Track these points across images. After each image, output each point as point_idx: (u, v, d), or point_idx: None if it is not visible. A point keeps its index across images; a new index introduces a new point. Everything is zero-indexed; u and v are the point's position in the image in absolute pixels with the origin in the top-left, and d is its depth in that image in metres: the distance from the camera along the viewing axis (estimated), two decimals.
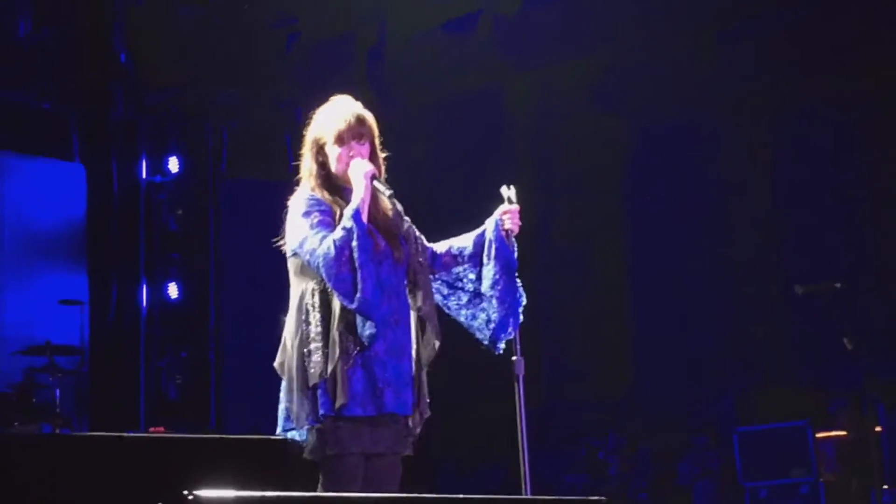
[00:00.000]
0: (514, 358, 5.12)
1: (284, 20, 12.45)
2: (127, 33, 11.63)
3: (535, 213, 5.98)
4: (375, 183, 5.04)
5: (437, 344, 5.09)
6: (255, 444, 4.66)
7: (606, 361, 12.35)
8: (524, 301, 5.21)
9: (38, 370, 10.18)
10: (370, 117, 5.18)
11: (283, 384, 5.01)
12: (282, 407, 5.00)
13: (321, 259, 4.85)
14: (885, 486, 8.93)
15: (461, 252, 5.26)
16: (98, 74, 11.73)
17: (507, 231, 5.21)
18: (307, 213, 4.99)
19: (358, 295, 4.81)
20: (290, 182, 5.26)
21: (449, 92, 12.67)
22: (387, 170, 5.21)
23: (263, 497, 3.72)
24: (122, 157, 11.97)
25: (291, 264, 5.07)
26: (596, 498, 4.40)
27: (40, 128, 11.56)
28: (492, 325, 5.20)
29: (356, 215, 4.90)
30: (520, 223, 5.23)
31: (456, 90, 12.67)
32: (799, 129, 11.56)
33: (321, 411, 4.84)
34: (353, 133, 5.09)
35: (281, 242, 5.12)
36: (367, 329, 4.88)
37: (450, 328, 5.26)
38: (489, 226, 5.23)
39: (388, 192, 5.06)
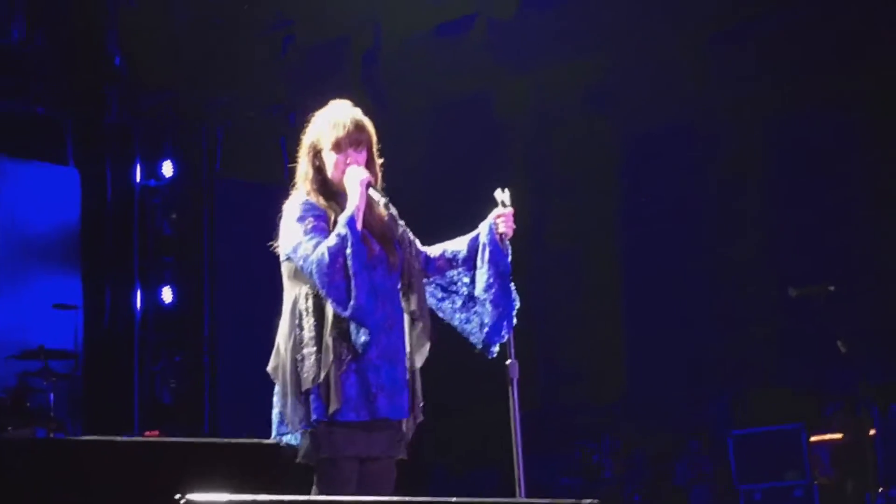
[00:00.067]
0: (508, 361, 5.12)
1: (279, 23, 12.45)
2: (121, 37, 11.63)
3: (529, 217, 5.99)
4: (370, 191, 5.03)
5: (428, 346, 5.09)
6: (249, 447, 4.67)
7: (601, 364, 12.37)
8: (518, 304, 5.21)
9: (33, 374, 10.17)
10: (369, 124, 5.16)
11: (277, 388, 5.00)
12: (276, 411, 5.00)
13: (315, 265, 4.85)
14: (880, 489, 8.93)
15: (455, 256, 5.26)
16: (92, 78, 11.73)
17: (501, 234, 5.19)
18: (301, 219, 4.99)
19: (352, 303, 4.80)
20: (284, 186, 5.26)
21: (444, 95, 12.68)
22: (383, 176, 5.21)
23: (256, 501, 3.72)
24: (116, 161, 11.96)
25: (285, 268, 5.07)
26: (590, 501, 4.40)
27: (34, 132, 11.56)
28: (485, 329, 5.19)
29: (351, 222, 4.89)
30: (514, 226, 5.22)
31: (450, 93, 12.68)
32: (793, 132, 11.58)
33: (314, 416, 4.84)
34: (351, 140, 5.08)
35: (275, 245, 5.11)
36: (360, 336, 4.88)
37: (444, 332, 5.26)
38: (483, 229, 5.22)
39: (382, 201, 5.05)
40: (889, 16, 10.73)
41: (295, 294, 4.99)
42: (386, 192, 5.14)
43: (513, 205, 5.23)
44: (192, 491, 3.62)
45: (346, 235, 4.86)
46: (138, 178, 12.05)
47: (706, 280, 11.91)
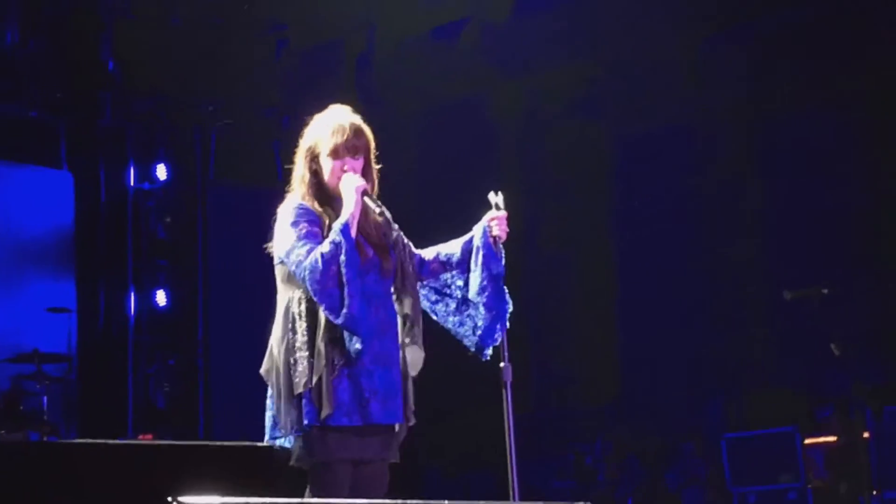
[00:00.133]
0: (501, 364, 5.12)
1: (273, 27, 12.45)
2: (114, 41, 11.63)
3: (522, 220, 5.99)
4: (366, 199, 5.03)
5: (422, 356, 5.08)
6: (242, 450, 4.67)
7: (594, 367, 12.37)
8: (511, 307, 5.21)
9: (26, 378, 10.17)
10: (368, 131, 5.15)
11: (270, 391, 5.00)
12: (269, 414, 5.00)
13: (307, 272, 4.85)
14: (874, 492, 8.94)
15: (449, 259, 5.25)
16: (86, 82, 11.73)
17: (494, 237, 5.19)
18: (295, 223, 4.98)
19: (344, 311, 4.80)
20: (278, 189, 5.25)
21: (437, 98, 12.69)
22: (379, 183, 5.21)
23: None
24: (109, 164, 11.96)
25: (278, 271, 5.06)
26: None
27: (28, 136, 11.56)
28: (479, 332, 5.19)
29: (345, 230, 4.89)
30: (507, 230, 5.22)
31: (444, 96, 12.69)
32: (787, 135, 11.58)
33: (306, 421, 4.83)
34: (349, 147, 5.07)
35: (270, 247, 5.11)
36: (354, 344, 4.88)
37: (438, 335, 5.26)
38: (477, 232, 5.22)
39: (377, 210, 5.04)
40: (889, 16, 10.73)
41: (288, 297, 4.99)
42: (381, 195, 5.14)
43: (506, 208, 5.23)
44: (185, 494, 3.62)
45: (340, 242, 4.86)
46: (132, 182, 12.05)
47: (700, 283, 11.92)
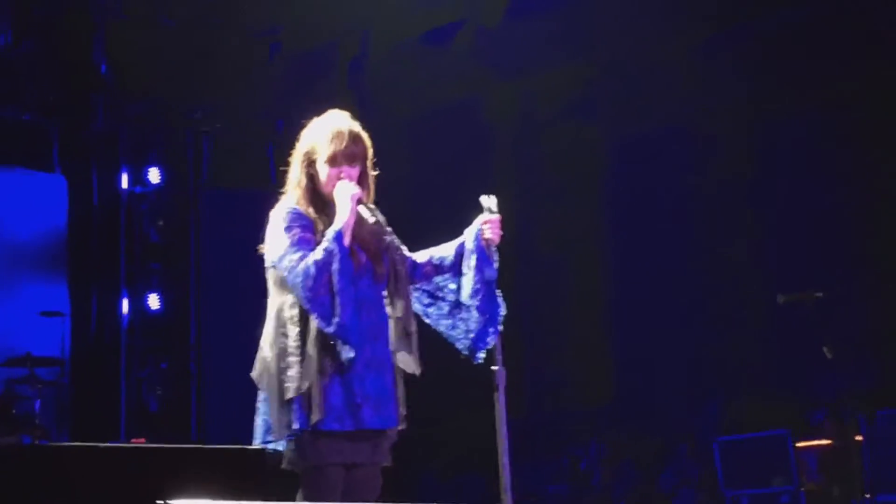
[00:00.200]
0: (494, 368, 5.11)
1: (267, 30, 12.44)
2: (107, 44, 11.62)
3: (515, 223, 5.99)
4: (360, 207, 5.00)
5: (416, 356, 5.07)
6: (234, 454, 4.65)
7: (588, 371, 12.37)
8: (504, 311, 5.20)
9: (19, 381, 10.16)
10: (366, 138, 5.11)
11: (262, 395, 4.99)
12: (261, 419, 4.98)
13: (300, 279, 4.83)
14: (867, 495, 8.93)
15: (442, 262, 5.24)
16: (78, 85, 11.71)
17: (487, 241, 5.18)
18: (288, 228, 4.95)
19: (336, 319, 4.78)
20: (271, 192, 5.23)
21: (431, 101, 12.68)
22: (374, 186, 5.18)
23: None
24: (102, 168, 11.95)
25: (271, 275, 5.04)
26: None
27: (20, 139, 11.55)
28: (471, 335, 5.18)
29: (338, 237, 4.87)
30: (500, 233, 5.21)
31: (437, 100, 12.69)
32: (786, 136, 11.58)
33: (297, 425, 4.82)
34: (347, 155, 5.04)
35: (262, 249, 5.09)
36: (345, 352, 4.86)
37: (430, 338, 5.25)
38: (469, 236, 5.21)
39: (372, 219, 5.01)
40: (889, 16, 10.74)
41: (280, 301, 4.97)
42: (375, 200, 5.13)
43: (500, 211, 5.22)
44: (177, 497, 3.61)
45: (333, 250, 4.84)
46: (125, 185, 12.04)
47: (694, 286, 11.92)
